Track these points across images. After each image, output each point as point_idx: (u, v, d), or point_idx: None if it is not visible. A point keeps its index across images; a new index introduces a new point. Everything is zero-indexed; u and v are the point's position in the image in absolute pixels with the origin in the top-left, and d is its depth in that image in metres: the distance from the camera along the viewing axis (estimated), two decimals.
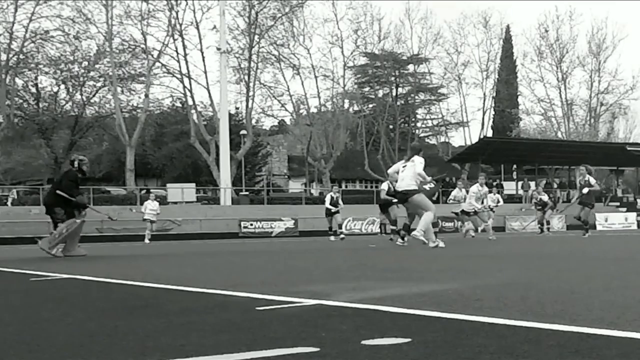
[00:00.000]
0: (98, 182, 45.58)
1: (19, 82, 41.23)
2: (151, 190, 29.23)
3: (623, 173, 54.18)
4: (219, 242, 21.09)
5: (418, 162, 10.25)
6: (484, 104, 56.57)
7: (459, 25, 59.42)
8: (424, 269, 5.74)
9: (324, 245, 13.95)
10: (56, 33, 38.65)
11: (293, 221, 29.57)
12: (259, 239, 25.85)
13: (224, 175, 36.02)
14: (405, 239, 12.48)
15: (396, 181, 10.74)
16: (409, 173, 10.11)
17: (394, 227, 15.90)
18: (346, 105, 51.22)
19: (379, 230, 30.05)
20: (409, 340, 2.05)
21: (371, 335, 2.15)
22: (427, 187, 11.90)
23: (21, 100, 42.20)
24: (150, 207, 22.91)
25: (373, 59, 51.92)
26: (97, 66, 41.05)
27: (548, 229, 22.40)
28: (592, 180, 15.12)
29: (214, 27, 39.75)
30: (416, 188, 10.15)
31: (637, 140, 57.85)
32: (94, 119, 43.91)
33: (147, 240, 22.51)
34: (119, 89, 40.38)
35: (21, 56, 38.39)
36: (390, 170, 10.89)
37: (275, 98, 46.35)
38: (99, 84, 42.50)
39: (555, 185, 44.64)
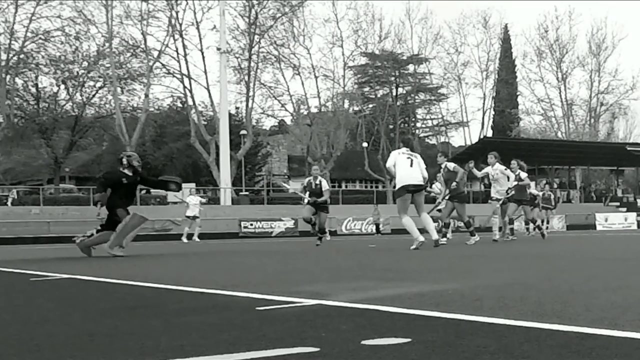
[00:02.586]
0: None
1: (19, 82, 41.28)
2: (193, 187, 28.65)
3: (623, 173, 54.26)
4: (219, 242, 21.08)
5: (422, 161, 10.08)
6: (483, 104, 56.75)
7: (458, 25, 59.68)
8: (424, 269, 5.74)
9: (324, 245, 13.94)
10: (56, 33, 38.71)
11: (293, 221, 29.56)
12: (259, 239, 25.84)
13: (224, 175, 36.04)
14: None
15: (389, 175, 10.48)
16: (418, 169, 9.86)
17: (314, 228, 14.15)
18: (346, 105, 51.26)
19: (374, 231, 30.15)
20: (409, 340, 2.05)
21: (371, 335, 2.15)
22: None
23: (21, 100, 42.21)
24: (193, 202, 22.41)
25: (373, 59, 51.96)
26: (97, 66, 41.07)
27: (534, 228, 21.07)
28: (523, 175, 13.81)
29: (214, 27, 39.80)
30: (424, 186, 10.04)
31: (637, 140, 57.96)
32: (94, 119, 43.92)
33: (196, 238, 21.84)
34: (119, 89, 40.39)
35: (21, 56, 38.40)
36: (389, 164, 10.06)
37: (275, 98, 46.43)
38: (99, 84, 42.56)
39: (555, 185, 44.67)
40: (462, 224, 14.90)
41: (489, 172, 13.16)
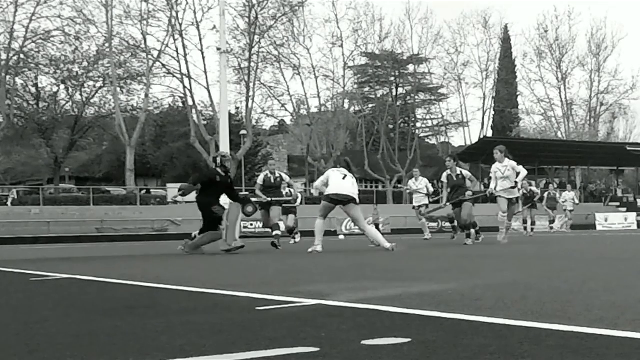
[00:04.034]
0: (98, 182, 45.66)
1: (19, 82, 41.25)
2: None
3: (623, 173, 54.24)
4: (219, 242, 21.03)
5: (356, 182, 10.04)
6: (484, 104, 56.68)
7: (458, 25, 59.76)
8: (424, 269, 5.74)
9: (325, 245, 13.91)
10: (56, 33, 38.70)
11: (293, 221, 29.47)
12: (259, 239, 25.82)
13: None
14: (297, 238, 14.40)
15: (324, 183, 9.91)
16: (350, 183, 9.82)
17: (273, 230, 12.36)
18: (346, 105, 51.24)
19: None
20: (409, 340, 2.05)
21: (371, 335, 2.15)
22: None
23: (21, 100, 42.20)
24: (222, 201, 22.00)
25: (373, 59, 51.94)
26: (96, 66, 41.06)
27: (532, 229, 20.12)
28: (467, 173, 12.99)
29: (214, 27, 39.75)
30: (357, 199, 9.85)
31: (637, 140, 57.97)
32: (94, 119, 43.92)
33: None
34: (118, 89, 40.38)
35: (21, 56, 38.39)
36: (318, 184, 9.96)
37: (276, 98, 46.37)
38: (99, 84, 42.55)
39: (555, 186, 44.72)
40: (448, 224, 14.54)
41: (499, 170, 11.91)
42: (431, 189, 16.17)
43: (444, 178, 12.70)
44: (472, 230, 12.34)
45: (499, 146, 12.34)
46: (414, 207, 16.20)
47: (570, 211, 25.15)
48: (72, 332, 2.50)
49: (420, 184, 15.84)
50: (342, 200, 9.73)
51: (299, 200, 15.81)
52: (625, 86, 53.24)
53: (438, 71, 54.55)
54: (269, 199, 12.08)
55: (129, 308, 3.25)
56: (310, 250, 9.68)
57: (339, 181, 9.75)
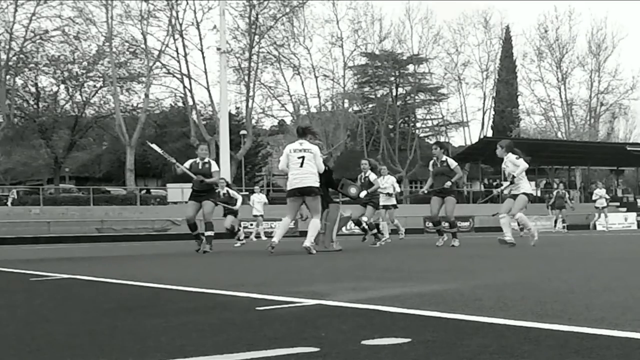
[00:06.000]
0: (98, 182, 45.65)
1: (19, 82, 41.25)
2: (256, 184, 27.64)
3: (623, 173, 54.26)
4: (219, 242, 21.05)
5: (317, 152, 9.06)
6: (484, 104, 56.69)
7: (459, 25, 59.52)
8: (424, 269, 5.74)
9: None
10: (56, 33, 38.69)
11: (293, 221, 29.51)
12: (259, 238, 25.80)
13: (224, 175, 35.96)
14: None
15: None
16: (311, 168, 8.94)
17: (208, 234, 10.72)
18: (346, 105, 51.25)
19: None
20: (409, 340, 2.05)
21: (371, 335, 2.15)
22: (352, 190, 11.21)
23: (21, 100, 42.20)
24: (257, 199, 21.52)
25: (373, 59, 51.95)
26: (97, 66, 41.06)
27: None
28: (373, 177, 12.66)
29: (214, 27, 39.77)
30: (319, 186, 9.06)
31: (637, 140, 58.02)
32: (94, 119, 43.92)
33: (253, 238, 20.95)
34: (118, 89, 40.37)
35: (21, 56, 38.39)
36: (281, 166, 9.08)
37: (275, 98, 46.42)
38: (98, 84, 42.55)
39: (555, 186, 44.74)
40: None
41: (504, 168, 11.36)
42: (397, 189, 15.36)
43: (430, 166, 12.11)
44: (375, 230, 12.82)
45: (500, 141, 11.70)
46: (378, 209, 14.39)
47: (604, 208, 25.08)
48: (72, 332, 2.50)
49: (386, 182, 14.68)
50: (305, 193, 9.00)
51: (239, 203, 15.66)
52: (625, 86, 53.37)
53: (438, 71, 54.59)
54: (202, 179, 10.50)
55: (129, 308, 3.25)
56: (268, 248, 9.19)
57: (297, 169, 8.89)
